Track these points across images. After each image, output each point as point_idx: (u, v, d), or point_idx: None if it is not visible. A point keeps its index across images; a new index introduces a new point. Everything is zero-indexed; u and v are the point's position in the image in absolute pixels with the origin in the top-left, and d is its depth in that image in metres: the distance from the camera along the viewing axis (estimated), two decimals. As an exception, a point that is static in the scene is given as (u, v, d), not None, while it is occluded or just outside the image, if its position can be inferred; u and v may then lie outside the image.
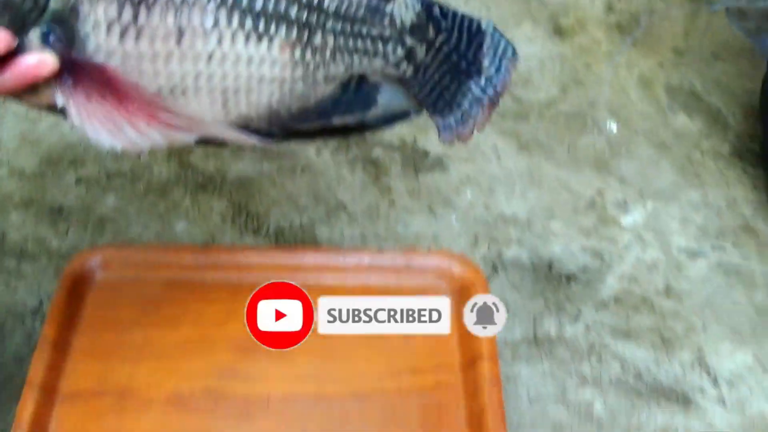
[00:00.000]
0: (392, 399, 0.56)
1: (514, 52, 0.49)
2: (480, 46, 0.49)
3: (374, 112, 0.51)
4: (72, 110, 0.41)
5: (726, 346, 0.68)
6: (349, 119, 0.51)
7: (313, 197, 0.77)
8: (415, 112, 0.52)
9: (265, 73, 0.46)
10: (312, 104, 0.49)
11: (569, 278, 0.72)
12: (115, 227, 0.73)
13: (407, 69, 0.50)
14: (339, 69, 0.48)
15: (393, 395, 0.57)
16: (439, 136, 0.50)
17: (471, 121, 0.50)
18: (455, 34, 0.49)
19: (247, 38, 0.45)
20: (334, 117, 0.50)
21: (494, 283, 0.71)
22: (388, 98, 0.51)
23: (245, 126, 0.48)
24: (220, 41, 0.44)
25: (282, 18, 0.45)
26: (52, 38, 0.42)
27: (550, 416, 0.64)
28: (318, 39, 0.46)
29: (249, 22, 0.44)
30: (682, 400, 0.65)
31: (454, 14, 0.48)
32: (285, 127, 0.49)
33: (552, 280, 0.72)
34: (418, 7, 0.48)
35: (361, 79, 0.50)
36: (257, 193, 0.77)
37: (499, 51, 0.49)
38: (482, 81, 0.49)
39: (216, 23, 0.44)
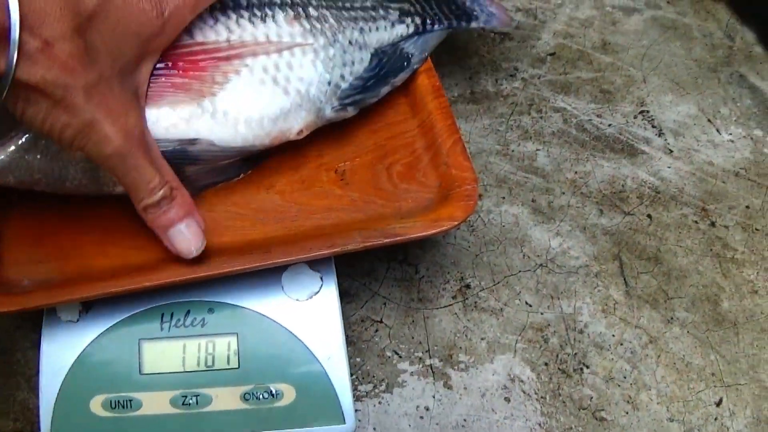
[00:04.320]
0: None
1: None
2: None
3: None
4: None
5: (668, 97, 0.66)
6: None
7: None
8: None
9: None
10: None
11: (503, 36, 0.68)
12: None
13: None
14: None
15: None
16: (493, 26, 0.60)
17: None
18: None
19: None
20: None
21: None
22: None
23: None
24: None
25: None
26: None
27: (494, 169, 0.60)
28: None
29: None
30: (628, 150, 0.63)
31: None
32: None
33: (485, 39, 0.68)
34: None
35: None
36: None
37: None
38: None
39: None
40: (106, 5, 0.38)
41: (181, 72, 0.46)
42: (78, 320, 0.50)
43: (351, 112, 0.51)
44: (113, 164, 0.41)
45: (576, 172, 0.61)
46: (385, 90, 0.52)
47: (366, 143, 0.53)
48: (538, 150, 0.63)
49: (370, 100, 0.52)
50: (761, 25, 0.72)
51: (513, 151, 0.62)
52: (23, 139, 0.44)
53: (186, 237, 0.44)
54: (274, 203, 0.50)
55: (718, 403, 0.51)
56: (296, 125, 0.49)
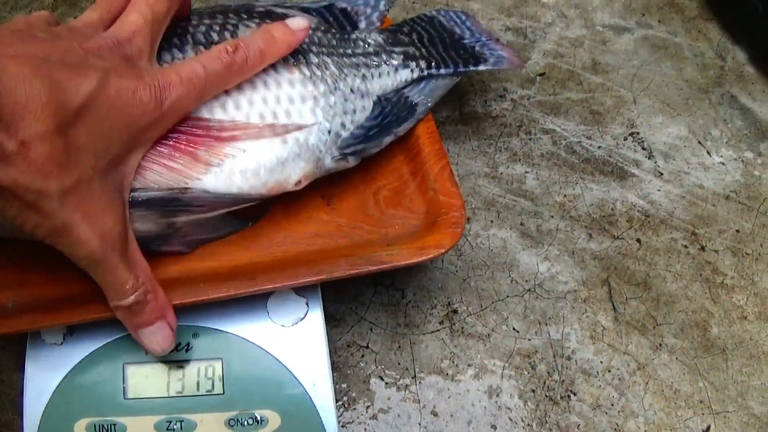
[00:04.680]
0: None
1: (466, 14, 0.61)
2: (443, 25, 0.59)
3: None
4: None
5: (658, 118, 0.66)
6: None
7: None
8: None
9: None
10: None
11: (491, 55, 0.68)
12: None
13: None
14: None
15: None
16: (503, 68, 0.60)
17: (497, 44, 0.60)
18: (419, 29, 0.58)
19: None
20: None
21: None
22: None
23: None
24: None
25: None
26: None
27: (482, 192, 0.60)
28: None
29: None
30: (618, 172, 0.63)
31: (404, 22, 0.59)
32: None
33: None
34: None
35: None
36: None
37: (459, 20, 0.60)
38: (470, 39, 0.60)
39: None
40: (97, 97, 0.36)
41: (173, 147, 0.45)
42: (62, 343, 0.49)
43: (352, 162, 0.50)
44: (86, 265, 0.39)
45: (565, 195, 0.61)
46: (387, 140, 0.51)
47: (353, 168, 0.52)
48: (527, 172, 0.62)
49: (372, 149, 0.51)
50: (753, 44, 0.72)
51: (501, 173, 0.62)
52: None
53: (155, 339, 0.43)
54: (259, 229, 0.50)
55: (706, 431, 0.51)
56: (294, 175, 0.48)
